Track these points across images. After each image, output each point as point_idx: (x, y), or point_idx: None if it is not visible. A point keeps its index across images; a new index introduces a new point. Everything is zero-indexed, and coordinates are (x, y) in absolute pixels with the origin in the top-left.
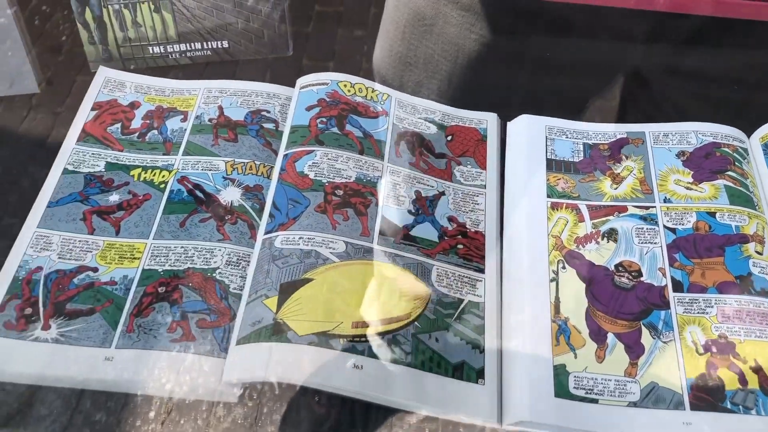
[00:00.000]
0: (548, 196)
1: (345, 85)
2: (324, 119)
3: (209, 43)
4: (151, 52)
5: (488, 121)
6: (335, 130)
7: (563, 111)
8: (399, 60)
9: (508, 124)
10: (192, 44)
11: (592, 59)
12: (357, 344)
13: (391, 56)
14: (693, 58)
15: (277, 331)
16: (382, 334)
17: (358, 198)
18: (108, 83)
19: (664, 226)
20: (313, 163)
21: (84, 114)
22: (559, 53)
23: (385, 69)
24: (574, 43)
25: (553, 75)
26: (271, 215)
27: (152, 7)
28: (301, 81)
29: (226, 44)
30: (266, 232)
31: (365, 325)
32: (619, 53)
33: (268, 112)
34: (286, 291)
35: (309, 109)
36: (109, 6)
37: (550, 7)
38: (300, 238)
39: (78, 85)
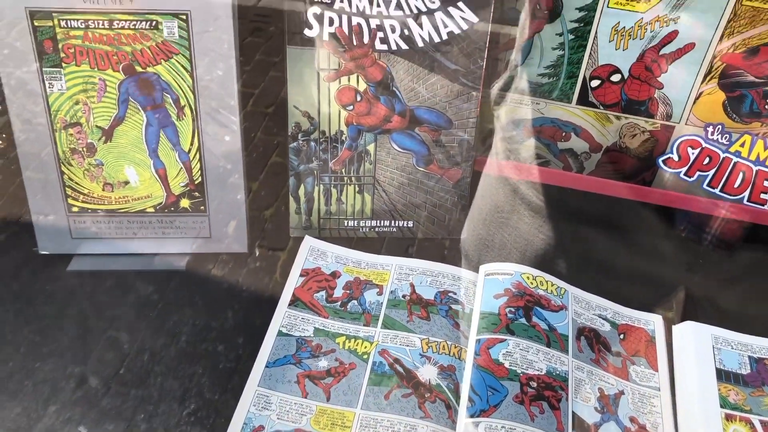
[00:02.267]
0: (722, 407)
1: (528, 277)
2: (512, 309)
3: (397, 222)
4: (345, 224)
5: (655, 322)
6: (523, 321)
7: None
8: (479, 241)
9: (674, 328)
10: (382, 221)
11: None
12: None
13: (474, 237)
14: None
15: None
16: None
17: (550, 391)
18: (312, 251)
19: None
20: (507, 351)
21: (294, 279)
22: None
23: (468, 246)
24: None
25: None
26: (470, 399)
27: (357, 188)
28: (486, 268)
29: (411, 224)
30: (468, 416)
31: None
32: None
33: (455, 293)
34: None
35: (497, 297)
36: (321, 185)
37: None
38: (503, 427)
39: (279, 248)
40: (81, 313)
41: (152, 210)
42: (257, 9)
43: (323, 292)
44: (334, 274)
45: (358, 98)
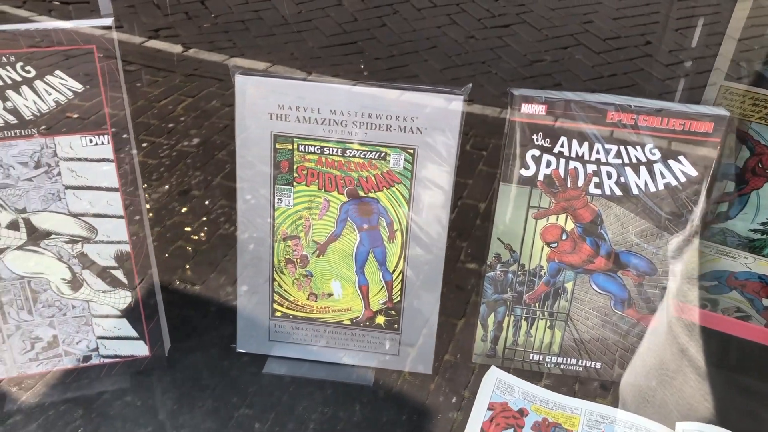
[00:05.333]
0: None
1: None
2: None
3: (585, 361)
4: (530, 357)
5: None
6: None
7: None
8: (638, 392)
9: None
10: (569, 359)
11: None
12: None
13: (634, 384)
14: None
15: None
16: None
17: None
18: (500, 384)
19: None
20: None
21: (481, 412)
22: None
23: (626, 392)
24: None
25: None
26: None
27: (548, 323)
28: (682, 426)
29: (599, 365)
30: None
31: None
32: None
33: None
34: None
35: None
36: (512, 316)
37: None
38: None
39: (462, 372)
40: (276, 415)
41: (348, 322)
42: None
43: (511, 431)
44: (522, 412)
45: (564, 237)
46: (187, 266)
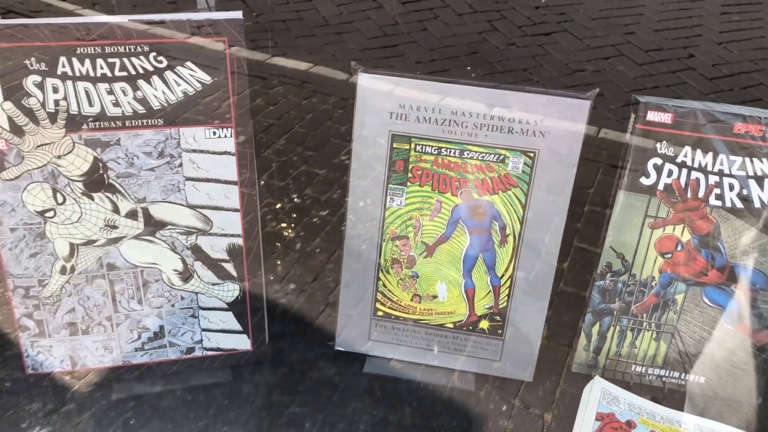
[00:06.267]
0: None
1: None
2: None
3: (689, 375)
4: (632, 369)
5: None
6: None
7: None
8: (744, 409)
9: None
10: (672, 372)
11: None
12: None
13: (741, 401)
14: None
15: None
16: None
17: None
18: (605, 395)
19: None
20: None
21: (589, 422)
22: None
23: (731, 408)
24: None
25: None
26: None
27: (654, 335)
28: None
29: (702, 380)
30: None
31: None
32: None
33: None
34: None
35: None
36: (618, 326)
37: None
38: None
39: (563, 387)
40: (371, 415)
41: (451, 326)
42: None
43: None
44: (630, 423)
45: (679, 248)
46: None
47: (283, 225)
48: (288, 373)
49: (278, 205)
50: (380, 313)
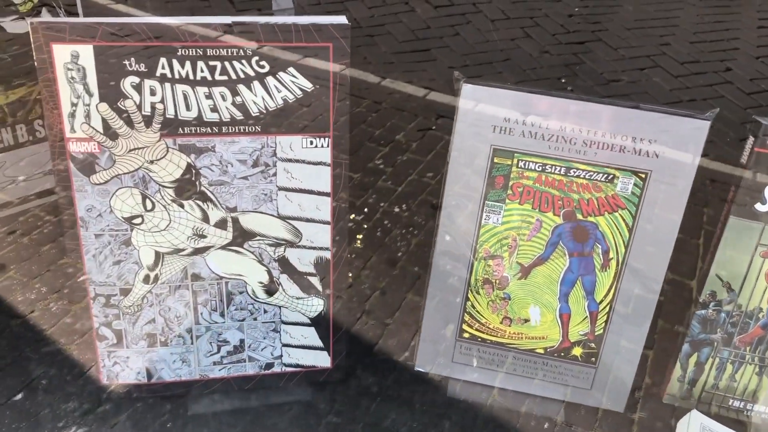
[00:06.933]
0: None
1: None
2: None
3: None
4: (728, 403)
5: None
6: None
7: None
8: None
9: None
10: None
11: None
12: None
13: None
14: None
15: None
16: None
17: None
18: (704, 431)
19: None
20: None
21: None
22: None
23: None
24: None
25: None
26: None
27: (756, 369)
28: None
29: None
30: None
31: None
32: None
33: None
34: None
35: None
36: (718, 357)
37: None
38: None
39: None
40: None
41: (541, 351)
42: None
43: None
44: None
45: None
46: None
47: None
48: (360, 391)
49: None
50: (466, 335)
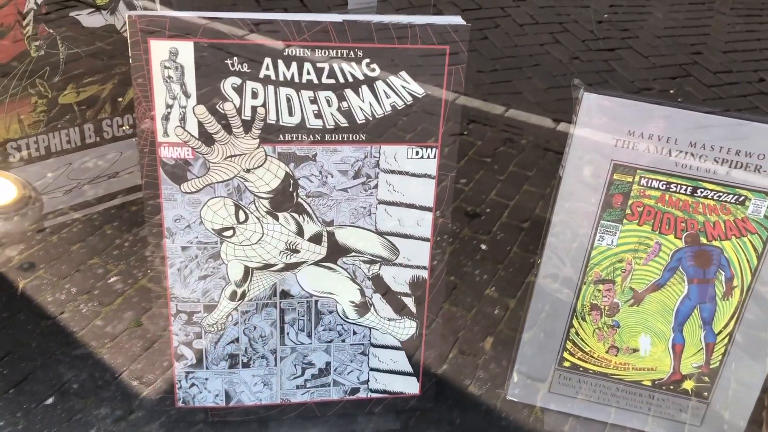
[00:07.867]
0: None
1: None
2: None
3: None
4: None
5: None
6: None
7: None
8: None
9: None
10: None
11: None
12: None
13: None
14: None
15: None
16: None
17: None
18: None
19: None
20: None
21: None
22: None
23: None
24: None
25: None
26: None
27: None
28: None
29: None
30: None
31: None
32: None
33: None
34: None
35: None
36: None
37: None
38: None
39: None
40: None
41: (648, 383)
42: None
43: None
44: None
45: None
46: None
47: None
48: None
49: None
50: (566, 364)
